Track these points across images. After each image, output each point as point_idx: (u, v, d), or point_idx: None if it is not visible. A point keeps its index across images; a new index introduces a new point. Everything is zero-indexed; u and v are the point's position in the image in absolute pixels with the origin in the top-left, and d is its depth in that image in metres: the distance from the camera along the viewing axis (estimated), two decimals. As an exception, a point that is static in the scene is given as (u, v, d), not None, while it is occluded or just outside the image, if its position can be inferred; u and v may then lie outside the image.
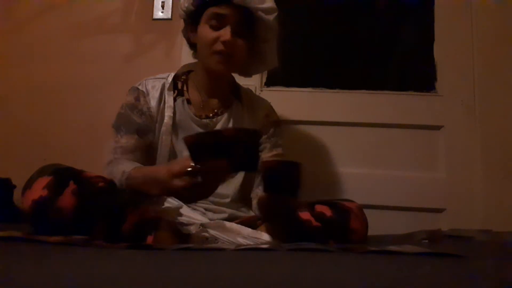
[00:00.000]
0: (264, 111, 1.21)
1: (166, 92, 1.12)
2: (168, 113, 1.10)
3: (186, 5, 1.08)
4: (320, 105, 1.52)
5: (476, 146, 1.45)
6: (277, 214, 0.93)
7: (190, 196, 0.86)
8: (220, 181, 0.86)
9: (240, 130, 0.91)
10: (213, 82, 1.13)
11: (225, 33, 1.03)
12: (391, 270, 0.56)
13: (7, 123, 1.64)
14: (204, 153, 0.78)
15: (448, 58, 1.51)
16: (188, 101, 1.13)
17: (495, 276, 0.55)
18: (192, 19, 1.10)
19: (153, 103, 1.10)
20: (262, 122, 1.19)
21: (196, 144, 0.79)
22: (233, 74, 1.21)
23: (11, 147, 1.62)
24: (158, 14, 1.61)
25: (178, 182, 0.82)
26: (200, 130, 1.11)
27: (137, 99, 1.11)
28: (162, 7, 1.61)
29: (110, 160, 1.06)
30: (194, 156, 0.79)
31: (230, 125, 1.14)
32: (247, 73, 1.22)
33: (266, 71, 1.52)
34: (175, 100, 1.12)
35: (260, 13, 1.05)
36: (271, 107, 1.25)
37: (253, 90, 1.51)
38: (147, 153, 1.10)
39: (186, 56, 1.17)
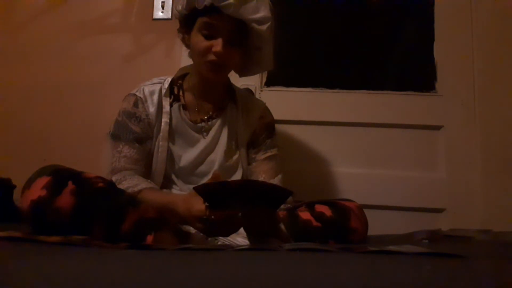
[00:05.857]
0: (259, 112, 1.21)
1: (162, 97, 1.12)
2: (164, 119, 1.11)
3: (179, 8, 1.08)
4: (320, 105, 1.52)
5: (476, 146, 1.45)
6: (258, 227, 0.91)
7: (206, 233, 0.89)
8: (234, 231, 0.88)
9: (246, 182, 0.91)
10: (207, 85, 1.14)
11: (217, 43, 1.02)
12: (391, 270, 0.55)
13: (7, 123, 1.65)
14: (218, 201, 0.82)
15: (448, 58, 1.51)
16: (184, 106, 1.14)
17: (495, 276, 0.54)
18: (185, 22, 1.10)
19: (151, 109, 1.11)
20: (256, 123, 1.19)
21: (208, 193, 0.82)
22: (231, 75, 1.20)
23: (11, 147, 1.62)
24: (158, 14, 1.61)
25: (195, 225, 0.87)
26: (196, 134, 1.13)
27: (135, 105, 1.11)
28: (162, 7, 1.61)
29: (117, 169, 1.07)
30: (210, 203, 0.82)
31: (225, 128, 1.15)
32: (242, 74, 1.22)
33: (266, 71, 1.52)
34: (171, 105, 1.13)
35: (253, 24, 1.04)
36: (266, 108, 1.24)
37: (253, 90, 1.51)
38: (147, 160, 1.11)
39: (186, 56, 1.17)
